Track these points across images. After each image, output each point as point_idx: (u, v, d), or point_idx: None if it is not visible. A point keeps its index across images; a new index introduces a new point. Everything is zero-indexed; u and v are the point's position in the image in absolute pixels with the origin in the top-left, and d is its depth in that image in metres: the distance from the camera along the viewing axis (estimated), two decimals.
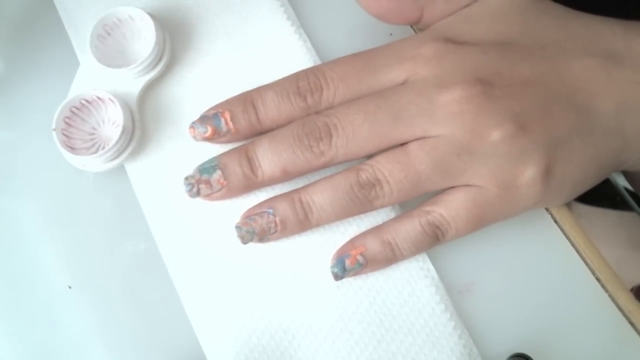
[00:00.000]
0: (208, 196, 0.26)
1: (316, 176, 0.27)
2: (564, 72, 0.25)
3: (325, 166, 0.25)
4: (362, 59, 0.26)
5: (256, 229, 0.25)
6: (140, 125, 0.28)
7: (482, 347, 0.25)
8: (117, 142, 0.26)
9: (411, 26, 0.31)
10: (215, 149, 0.27)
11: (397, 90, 0.25)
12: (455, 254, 0.27)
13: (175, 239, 0.27)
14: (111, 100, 0.27)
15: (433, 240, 0.25)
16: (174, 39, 0.29)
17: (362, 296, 0.26)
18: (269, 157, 0.25)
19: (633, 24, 0.26)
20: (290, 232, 0.26)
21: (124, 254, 0.27)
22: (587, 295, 0.27)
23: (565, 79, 0.25)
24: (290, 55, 0.29)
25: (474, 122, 0.24)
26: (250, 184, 0.26)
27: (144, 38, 0.28)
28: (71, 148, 0.27)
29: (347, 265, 0.25)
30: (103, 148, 0.27)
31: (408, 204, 0.26)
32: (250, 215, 0.26)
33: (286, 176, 0.25)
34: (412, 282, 0.26)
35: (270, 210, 0.25)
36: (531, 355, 0.24)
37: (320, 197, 0.25)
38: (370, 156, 0.25)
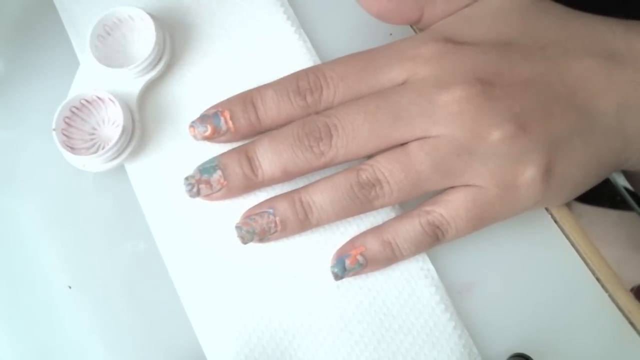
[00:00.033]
0: (208, 196, 0.26)
1: (316, 176, 0.27)
2: (564, 72, 0.25)
3: (325, 166, 0.25)
4: (362, 58, 0.26)
5: (256, 229, 0.25)
6: (140, 125, 0.28)
7: (482, 347, 0.25)
8: (117, 142, 0.26)
9: (411, 26, 0.31)
10: (215, 149, 0.27)
11: (397, 90, 0.25)
12: (455, 254, 0.27)
13: (175, 239, 0.27)
14: (111, 100, 0.27)
15: (433, 240, 0.25)
16: (174, 39, 0.29)
17: (362, 296, 0.26)
18: (269, 157, 0.25)
19: (633, 24, 0.26)
20: (290, 232, 0.26)
21: (124, 254, 0.27)
22: (587, 295, 0.27)
23: (565, 78, 0.25)
24: (290, 55, 0.29)
25: (474, 122, 0.24)
26: (251, 184, 0.26)
27: (144, 38, 0.28)
28: (71, 148, 0.27)
29: (347, 265, 0.25)
30: (103, 148, 0.27)
31: (408, 204, 0.26)
32: (250, 215, 0.26)
33: (286, 176, 0.25)
34: (412, 282, 0.26)
35: (271, 210, 0.25)
36: (531, 355, 0.24)
37: (321, 197, 0.25)
38: (370, 156, 0.25)
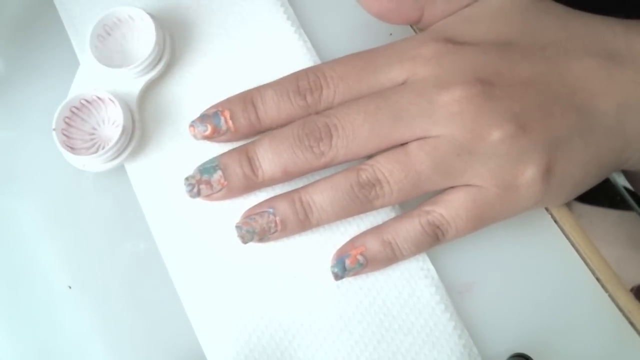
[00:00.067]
0: (208, 196, 0.26)
1: (316, 176, 0.27)
2: (564, 72, 0.25)
3: (325, 166, 0.25)
4: (362, 58, 0.26)
5: (256, 229, 0.25)
6: (140, 125, 0.28)
7: (482, 347, 0.25)
8: (117, 142, 0.26)
9: (411, 26, 0.31)
10: (216, 149, 0.27)
11: (397, 90, 0.25)
12: (455, 254, 0.27)
13: (175, 239, 0.27)
14: (111, 100, 0.27)
15: (433, 240, 0.25)
16: (174, 39, 0.29)
17: (362, 296, 0.26)
18: (269, 157, 0.25)
19: (634, 24, 0.26)
20: (290, 232, 0.26)
21: (124, 254, 0.27)
22: (587, 295, 0.27)
23: (565, 78, 0.25)
24: (290, 55, 0.29)
25: (474, 122, 0.24)
26: (251, 185, 0.26)
27: (144, 38, 0.28)
28: (71, 148, 0.27)
29: (347, 265, 0.25)
30: (103, 148, 0.27)
31: (408, 204, 0.26)
32: (250, 215, 0.26)
33: (286, 176, 0.25)
34: (412, 282, 0.26)
35: (271, 210, 0.25)
36: (531, 355, 0.24)
37: (321, 197, 0.25)
38: (370, 156, 0.25)
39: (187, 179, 0.26)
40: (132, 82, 0.28)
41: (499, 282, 0.27)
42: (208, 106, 0.27)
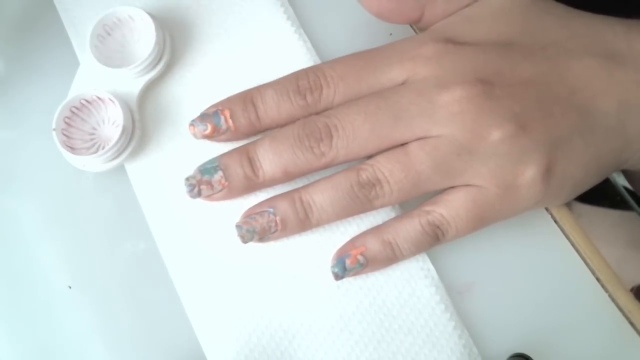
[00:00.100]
0: (209, 197, 0.26)
1: (316, 176, 0.27)
2: (565, 72, 0.25)
3: (326, 167, 0.25)
4: (362, 58, 0.26)
5: (256, 228, 0.25)
6: (140, 125, 0.28)
7: (482, 347, 0.25)
8: (117, 142, 0.26)
9: (411, 26, 0.31)
10: (216, 149, 0.27)
11: (397, 90, 0.25)
12: (455, 254, 0.27)
13: (175, 239, 0.27)
14: (111, 100, 0.27)
15: (433, 240, 0.25)
16: (174, 39, 0.29)
17: (362, 296, 0.26)
18: (269, 157, 0.25)
19: (634, 23, 0.26)
20: (290, 232, 0.26)
21: (124, 254, 0.27)
22: (587, 295, 0.27)
23: (566, 78, 0.25)
24: (290, 55, 0.29)
25: (474, 122, 0.24)
26: (252, 185, 0.26)
27: (144, 38, 0.28)
28: (71, 148, 0.27)
29: (347, 265, 0.25)
30: (103, 148, 0.27)
31: (408, 204, 0.26)
32: (250, 215, 0.26)
33: (287, 177, 0.25)
34: (412, 282, 0.26)
35: (271, 210, 0.25)
36: (531, 355, 0.24)
37: (321, 197, 0.25)
38: (370, 156, 0.25)
39: (187, 179, 0.26)
40: (132, 82, 0.28)
41: (499, 282, 0.27)
42: (208, 106, 0.27)
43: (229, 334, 0.25)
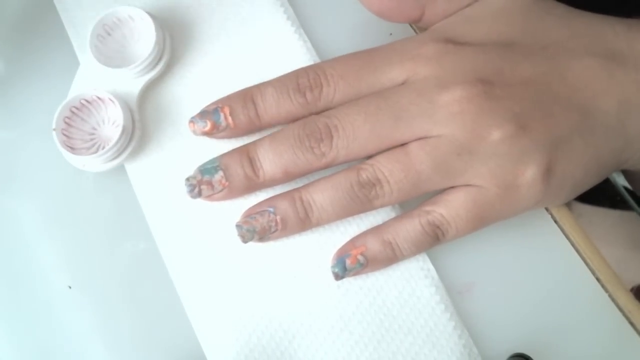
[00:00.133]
0: (209, 197, 0.26)
1: (316, 176, 0.27)
2: (565, 72, 0.25)
3: (326, 167, 0.25)
4: (363, 57, 0.26)
5: (257, 228, 0.25)
6: (140, 125, 0.28)
7: (482, 347, 0.25)
8: (117, 142, 0.26)
9: (411, 26, 0.31)
10: (216, 149, 0.27)
11: (397, 90, 0.25)
12: (455, 254, 0.27)
13: (175, 239, 0.27)
14: (111, 100, 0.27)
15: (433, 240, 0.25)
16: (174, 38, 0.29)
17: (362, 296, 0.26)
18: (270, 157, 0.25)
19: (635, 23, 0.26)
20: (290, 231, 0.26)
21: (124, 254, 0.27)
22: (587, 295, 0.27)
23: (566, 78, 0.25)
24: (290, 55, 0.29)
25: (474, 122, 0.24)
26: (252, 185, 0.26)
27: (144, 38, 0.28)
28: (71, 148, 0.27)
29: (347, 265, 0.25)
30: (103, 148, 0.27)
31: (408, 204, 0.26)
32: (250, 214, 0.26)
33: (287, 177, 0.25)
34: (412, 282, 0.26)
35: (271, 209, 0.25)
36: (531, 355, 0.24)
37: (321, 196, 0.25)
38: (370, 156, 0.25)
39: (188, 179, 0.26)
40: (132, 82, 0.28)
41: (499, 282, 0.27)
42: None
43: (229, 334, 0.25)
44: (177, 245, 0.27)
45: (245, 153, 0.26)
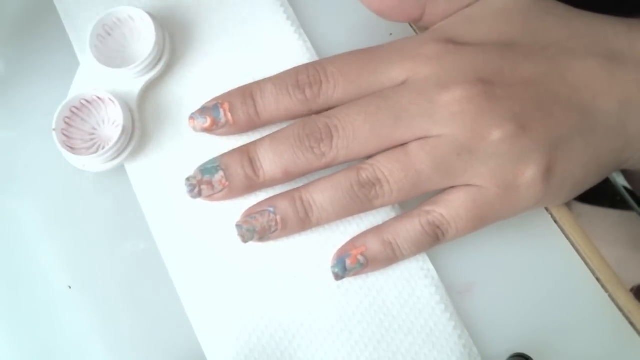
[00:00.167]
0: (209, 197, 0.26)
1: (316, 176, 0.27)
2: (565, 72, 0.25)
3: (326, 167, 0.25)
4: (363, 55, 0.26)
5: (257, 227, 0.25)
6: (140, 125, 0.28)
7: (482, 347, 0.25)
8: (117, 142, 0.26)
9: (411, 26, 0.31)
10: (216, 149, 0.27)
11: (397, 90, 0.25)
12: (455, 254, 0.27)
13: (175, 239, 0.27)
14: (111, 100, 0.27)
15: (433, 240, 0.25)
16: (174, 38, 0.29)
17: (362, 296, 0.26)
18: (270, 157, 0.25)
19: (636, 23, 0.26)
20: (290, 231, 0.26)
21: (124, 254, 0.27)
22: (587, 295, 0.27)
23: (566, 78, 0.25)
24: (290, 55, 0.29)
25: (474, 122, 0.24)
26: (252, 185, 0.26)
27: (144, 38, 0.28)
28: (71, 148, 0.27)
29: (347, 265, 0.25)
30: (103, 148, 0.27)
31: (408, 204, 0.26)
32: (250, 214, 0.26)
33: (287, 177, 0.25)
34: (412, 282, 0.26)
35: (271, 209, 0.25)
36: (531, 355, 0.24)
37: (321, 196, 0.25)
38: (370, 156, 0.25)
39: (188, 179, 0.26)
40: (132, 82, 0.28)
41: (499, 282, 0.27)
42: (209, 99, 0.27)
43: (229, 334, 0.25)
44: (177, 245, 0.27)
45: (246, 153, 0.26)
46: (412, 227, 0.25)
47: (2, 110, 0.30)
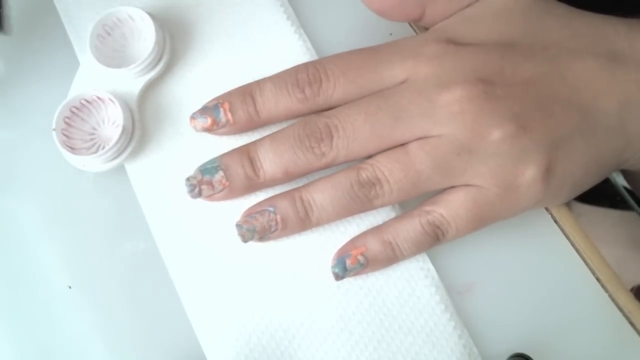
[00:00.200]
0: (210, 197, 0.26)
1: (316, 176, 0.27)
2: (566, 72, 0.25)
3: (326, 167, 0.25)
4: (364, 54, 0.26)
5: (257, 227, 0.25)
6: (140, 125, 0.28)
7: (482, 347, 0.25)
8: (117, 142, 0.26)
9: (411, 26, 0.31)
10: (216, 149, 0.27)
11: (397, 90, 0.25)
12: (455, 254, 0.27)
13: (175, 239, 0.27)
14: (111, 100, 0.27)
15: (433, 240, 0.25)
16: (174, 38, 0.29)
17: (362, 296, 0.26)
18: (270, 157, 0.25)
19: (636, 23, 0.26)
20: (290, 231, 0.26)
21: (124, 254, 0.27)
22: (587, 295, 0.27)
23: (567, 78, 0.25)
24: (290, 55, 0.29)
25: (474, 122, 0.24)
26: (252, 185, 0.26)
27: (144, 38, 0.28)
28: (71, 148, 0.27)
29: (348, 265, 0.25)
30: (103, 148, 0.27)
31: (408, 204, 0.26)
32: (250, 214, 0.26)
33: (287, 177, 0.25)
34: (412, 282, 0.26)
35: (271, 209, 0.25)
36: (531, 355, 0.24)
37: (321, 196, 0.25)
38: (371, 156, 0.25)
39: (188, 179, 0.26)
40: (132, 82, 0.28)
41: (499, 282, 0.27)
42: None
43: (229, 334, 0.25)
44: (177, 245, 0.27)
45: (246, 153, 0.26)
46: (412, 227, 0.25)
47: (2, 110, 0.30)
